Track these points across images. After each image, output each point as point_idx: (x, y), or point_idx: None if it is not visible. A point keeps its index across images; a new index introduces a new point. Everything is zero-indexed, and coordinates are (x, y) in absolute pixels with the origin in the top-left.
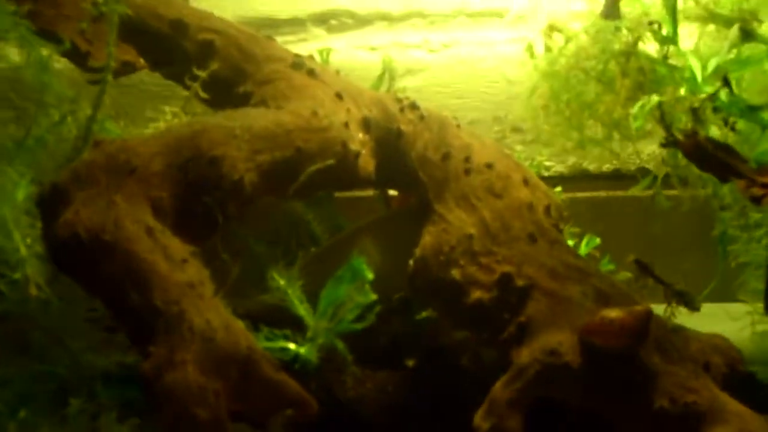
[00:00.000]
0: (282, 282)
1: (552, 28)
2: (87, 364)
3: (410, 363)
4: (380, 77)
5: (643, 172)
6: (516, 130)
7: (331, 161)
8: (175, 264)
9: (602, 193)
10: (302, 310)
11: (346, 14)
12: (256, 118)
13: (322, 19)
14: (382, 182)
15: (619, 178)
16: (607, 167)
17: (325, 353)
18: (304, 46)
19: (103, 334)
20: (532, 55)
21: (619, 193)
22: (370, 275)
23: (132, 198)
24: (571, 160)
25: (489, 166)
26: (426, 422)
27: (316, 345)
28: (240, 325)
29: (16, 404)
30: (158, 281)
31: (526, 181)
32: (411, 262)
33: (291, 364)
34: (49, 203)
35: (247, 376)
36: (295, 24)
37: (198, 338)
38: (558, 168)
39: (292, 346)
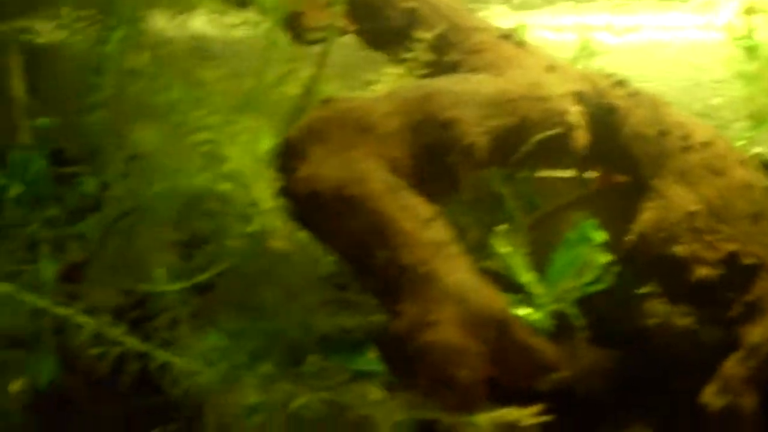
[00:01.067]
0: (506, 249)
1: (751, 11)
2: (318, 323)
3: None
4: (576, 58)
5: None
6: (702, 117)
7: (558, 130)
8: (422, 222)
9: None
10: (527, 276)
11: None
12: (481, 83)
13: None
14: (589, 158)
15: None
16: None
17: (557, 320)
18: None
19: (334, 292)
20: (733, 38)
21: None
22: (601, 237)
23: (369, 156)
24: None
25: (706, 144)
26: (649, 398)
27: (548, 310)
28: (492, 286)
29: (251, 360)
30: (405, 239)
31: (742, 162)
32: (628, 237)
33: None
34: (284, 158)
35: (502, 339)
36: (479, 0)
37: (451, 299)
38: None
39: (526, 311)
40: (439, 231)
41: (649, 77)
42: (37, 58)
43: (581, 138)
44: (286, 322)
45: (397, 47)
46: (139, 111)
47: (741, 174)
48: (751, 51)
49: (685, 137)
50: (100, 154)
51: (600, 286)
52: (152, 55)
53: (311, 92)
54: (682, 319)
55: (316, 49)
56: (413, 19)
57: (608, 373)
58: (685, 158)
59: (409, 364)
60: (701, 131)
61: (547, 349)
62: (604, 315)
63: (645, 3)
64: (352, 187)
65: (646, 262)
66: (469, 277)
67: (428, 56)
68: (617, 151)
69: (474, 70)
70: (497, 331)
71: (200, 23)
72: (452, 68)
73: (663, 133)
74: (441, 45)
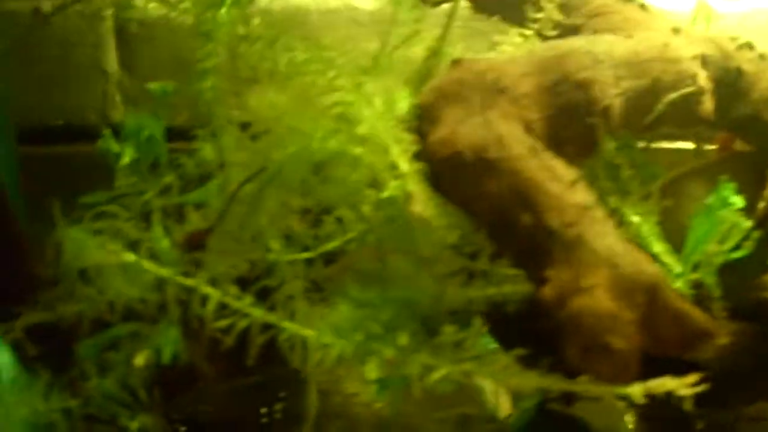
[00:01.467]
0: (636, 218)
1: None
2: (450, 293)
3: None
4: (693, 21)
5: None
6: None
7: (690, 89)
8: (566, 185)
9: None
10: (659, 245)
11: None
12: (613, 44)
13: None
14: (715, 125)
15: None
16: None
17: (695, 289)
18: None
19: (465, 261)
20: None
21: None
22: (741, 201)
23: (506, 118)
24: None
25: None
26: None
27: (688, 279)
28: (640, 249)
29: (385, 331)
30: (551, 202)
31: None
32: (762, 204)
33: None
34: (419, 120)
35: (654, 306)
36: None
37: (603, 263)
38: None
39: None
40: (583, 194)
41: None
42: (129, 32)
43: (708, 103)
44: (418, 293)
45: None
46: (257, 76)
47: None
48: None
49: None
50: (213, 121)
51: (742, 253)
52: (263, 22)
53: (438, 54)
54: None
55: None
56: None
57: (747, 348)
58: None
59: (559, 333)
60: None
61: (701, 317)
62: (737, 286)
63: None
64: (493, 148)
65: None
66: (617, 241)
67: (557, 17)
68: (746, 117)
69: (598, 32)
70: (649, 298)
71: None
72: (574, 31)
73: None
74: (563, 7)
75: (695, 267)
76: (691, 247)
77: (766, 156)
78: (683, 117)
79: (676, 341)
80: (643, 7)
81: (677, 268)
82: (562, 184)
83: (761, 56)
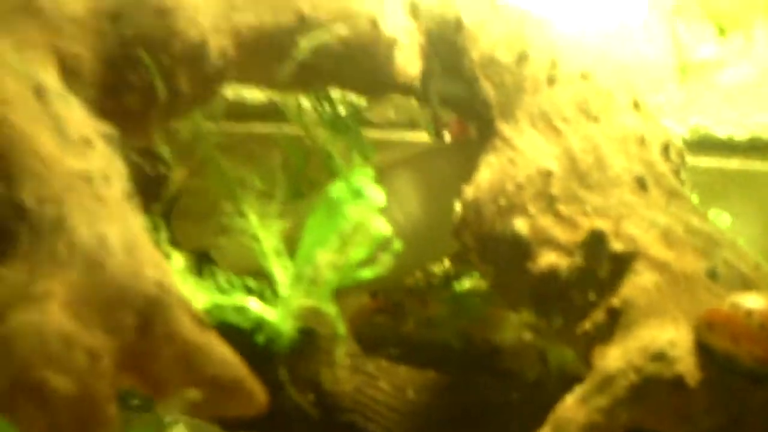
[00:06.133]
0: (254, 220)
1: None
2: None
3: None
4: None
5: None
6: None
7: (344, 33)
8: (70, 144)
9: (735, 163)
10: (274, 261)
11: None
12: None
13: None
14: (431, 95)
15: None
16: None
17: (306, 322)
18: None
19: None
20: None
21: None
22: (381, 197)
23: (28, 47)
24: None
25: (584, 76)
26: None
27: (291, 307)
28: (154, 250)
29: None
30: (35, 165)
31: (636, 105)
32: (457, 206)
33: (251, 334)
34: None
35: (149, 331)
36: None
37: (80, 259)
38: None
39: (256, 304)
40: (95, 160)
41: None
42: None
43: (410, 64)
44: None
45: None
46: None
47: (630, 122)
48: None
49: (554, 64)
50: None
51: (375, 271)
52: None
53: None
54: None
55: None
56: None
57: (401, 404)
58: (551, 94)
59: None
60: (584, 58)
61: (218, 354)
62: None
63: None
64: None
65: (474, 241)
66: (120, 230)
67: None
68: (467, 84)
69: None
70: (144, 321)
71: None
72: None
73: (522, 58)
74: None
75: (308, 291)
76: (305, 256)
77: (487, 141)
78: (367, 76)
79: (179, 385)
80: None
81: (284, 287)
82: (65, 142)
83: (493, 4)
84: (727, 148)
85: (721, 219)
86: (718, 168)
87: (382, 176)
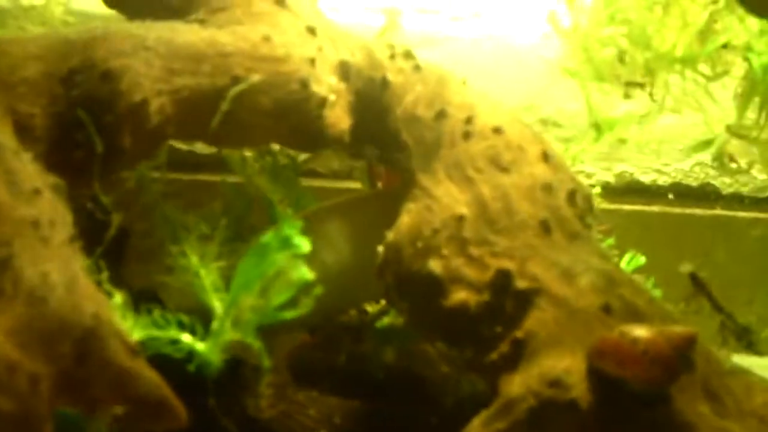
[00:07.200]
0: (195, 259)
1: None
2: None
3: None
4: (382, 32)
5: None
6: (554, 124)
7: (275, 93)
8: (21, 194)
9: (655, 208)
10: (214, 297)
11: None
12: (181, 32)
13: None
14: (359, 148)
15: (677, 193)
16: (664, 180)
17: (234, 354)
18: None
19: None
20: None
21: (676, 209)
22: (306, 246)
23: None
24: (620, 168)
25: (497, 131)
26: None
27: (221, 340)
28: (92, 287)
29: None
30: None
31: (546, 156)
32: (380, 248)
33: (183, 364)
34: None
35: (86, 358)
36: None
37: (24, 296)
38: (603, 177)
39: (187, 338)
40: (42, 207)
41: (494, 73)
42: None
43: (340, 120)
44: None
45: None
46: None
47: (537, 171)
48: None
49: (470, 120)
50: None
51: (295, 312)
52: None
53: None
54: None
55: None
56: None
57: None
58: (466, 147)
59: None
60: (495, 115)
61: (145, 378)
62: (360, 355)
63: None
64: None
65: (394, 280)
66: (60, 270)
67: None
68: (392, 138)
69: (221, 29)
70: (79, 347)
71: None
72: None
73: (441, 115)
74: (184, 5)
75: (236, 323)
76: (233, 297)
77: (408, 190)
78: (298, 132)
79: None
80: (280, 2)
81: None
82: (16, 192)
83: (416, 68)
84: (650, 193)
85: (635, 259)
86: (639, 211)
87: (316, 222)
